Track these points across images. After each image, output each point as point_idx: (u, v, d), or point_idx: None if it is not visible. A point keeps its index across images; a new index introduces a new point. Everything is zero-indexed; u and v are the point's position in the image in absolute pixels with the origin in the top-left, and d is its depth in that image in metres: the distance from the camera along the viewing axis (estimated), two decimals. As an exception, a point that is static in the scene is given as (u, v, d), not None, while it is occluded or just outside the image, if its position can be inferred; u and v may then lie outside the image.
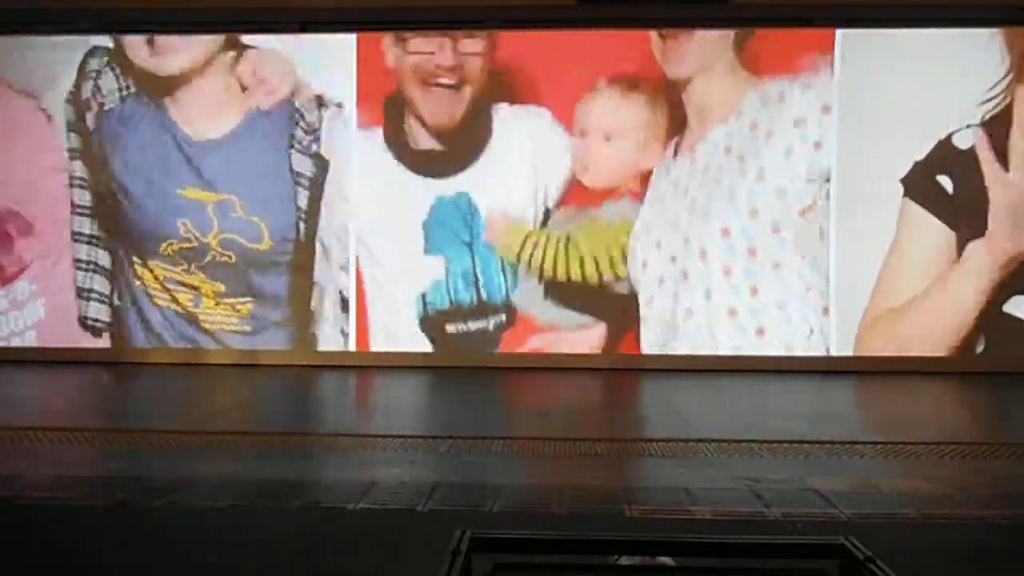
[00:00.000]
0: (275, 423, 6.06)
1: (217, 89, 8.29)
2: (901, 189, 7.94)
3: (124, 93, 8.36)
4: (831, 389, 7.59)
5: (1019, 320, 7.91)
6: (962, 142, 7.89)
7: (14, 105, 8.42)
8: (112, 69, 8.36)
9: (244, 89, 8.26)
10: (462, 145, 8.19)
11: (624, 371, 8.03)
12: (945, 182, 7.89)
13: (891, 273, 7.96)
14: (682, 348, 8.13)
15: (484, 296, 8.23)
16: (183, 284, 8.37)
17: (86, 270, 8.43)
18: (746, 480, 4.28)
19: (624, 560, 1.74)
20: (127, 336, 8.45)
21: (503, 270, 8.20)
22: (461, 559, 1.60)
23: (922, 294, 7.92)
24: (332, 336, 8.36)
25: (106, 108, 8.37)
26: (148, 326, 8.43)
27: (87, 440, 5.26)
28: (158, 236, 8.38)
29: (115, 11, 8.21)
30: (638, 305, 8.13)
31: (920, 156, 7.91)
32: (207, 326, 8.40)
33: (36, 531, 3.51)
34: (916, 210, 7.92)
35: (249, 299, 8.37)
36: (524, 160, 8.13)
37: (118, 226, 8.42)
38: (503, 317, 8.24)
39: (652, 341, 8.14)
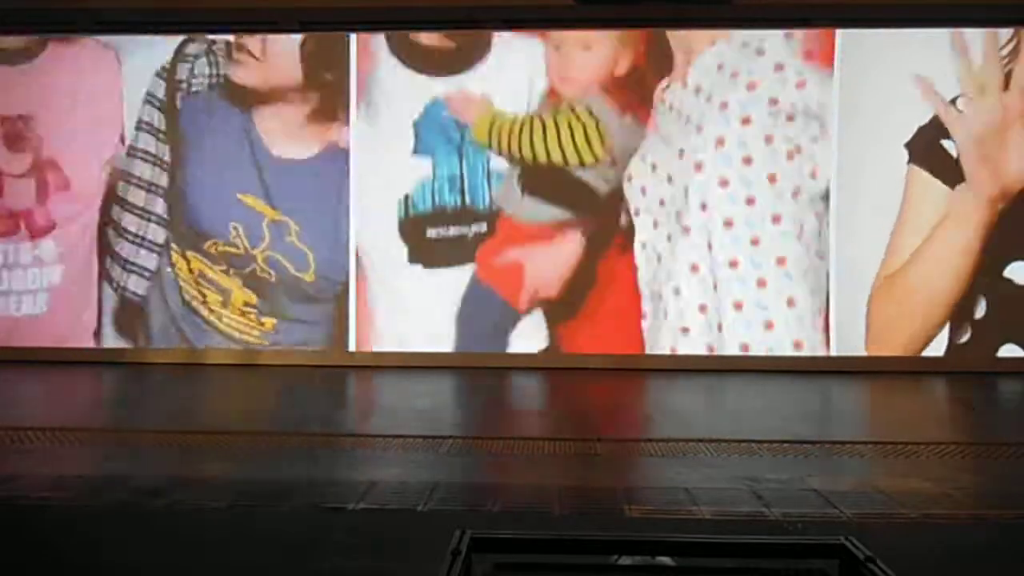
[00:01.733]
0: (275, 423, 6.06)
1: (305, 113, 8.27)
2: (905, 154, 7.91)
3: (214, 81, 8.32)
4: (831, 389, 7.59)
5: (1018, 285, 7.88)
6: (965, 106, 7.88)
7: (97, 62, 8.39)
8: (209, 55, 8.32)
9: (328, 127, 8.24)
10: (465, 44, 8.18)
11: (624, 371, 8.02)
12: (950, 146, 7.87)
13: (899, 239, 7.93)
14: (681, 263, 8.02)
15: (468, 201, 8.16)
16: (217, 284, 8.33)
17: (133, 242, 8.38)
18: (746, 480, 4.28)
19: (624, 560, 1.74)
20: (146, 317, 8.39)
21: (488, 176, 8.15)
22: (461, 559, 1.60)
23: (921, 248, 7.88)
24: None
25: (193, 90, 8.34)
26: (169, 315, 8.35)
27: (87, 440, 5.26)
28: (207, 232, 8.32)
29: (115, 11, 8.20)
30: (628, 209, 8.07)
31: (924, 121, 7.89)
32: (224, 328, 8.36)
33: (36, 531, 3.51)
34: (921, 176, 7.88)
35: (276, 319, 8.35)
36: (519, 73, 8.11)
37: (169, 208, 8.37)
38: (484, 227, 8.16)
39: (643, 247, 8.07)
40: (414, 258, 8.21)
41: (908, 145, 7.91)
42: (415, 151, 8.19)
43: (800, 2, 8.00)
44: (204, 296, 8.33)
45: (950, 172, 7.86)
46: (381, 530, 3.52)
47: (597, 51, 8.10)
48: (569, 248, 8.12)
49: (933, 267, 7.89)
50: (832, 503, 3.90)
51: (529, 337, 8.17)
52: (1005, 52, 7.86)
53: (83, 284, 8.42)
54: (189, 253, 8.34)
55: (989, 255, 7.85)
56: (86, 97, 8.40)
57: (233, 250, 8.30)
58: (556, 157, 8.09)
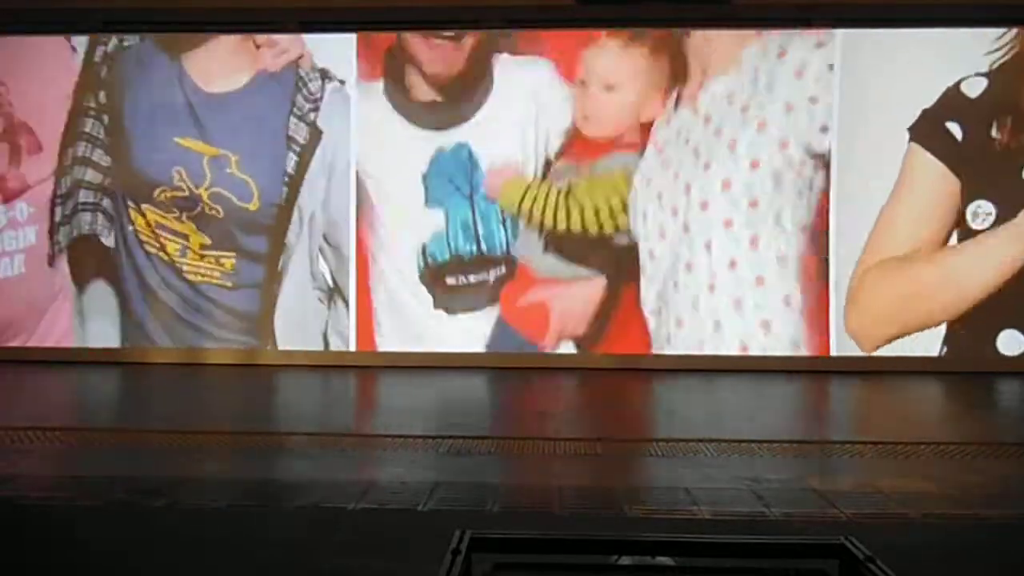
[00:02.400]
0: (275, 423, 6.06)
1: (232, 44, 8.34)
2: (906, 138, 7.90)
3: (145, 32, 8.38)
4: (831, 389, 7.59)
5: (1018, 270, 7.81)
6: (971, 90, 7.87)
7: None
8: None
9: (257, 47, 8.29)
10: (463, 96, 8.20)
11: (624, 371, 8.02)
12: (954, 129, 7.85)
13: (891, 217, 7.90)
14: (682, 299, 8.06)
15: (484, 248, 8.21)
16: (173, 232, 8.39)
17: (95, 191, 8.46)
18: (746, 480, 4.28)
19: (624, 560, 1.74)
20: (120, 278, 8.45)
21: (503, 222, 8.19)
22: (461, 559, 1.60)
23: (951, 248, 7.83)
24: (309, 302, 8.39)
25: (125, 44, 8.41)
26: (138, 272, 8.43)
27: (87, 440, 5.26)
28: (153, 181, 8.40)
29: (115, 11, 8.21)
30: (638, 257, 8.12)
31: (928, 104, 7.88)
32: (191, 277, 8.42)
33: (36, 531, 3.51)
34: (922, 155, 7.86)
35: (232, 254, 8.39)
36: (525, 111, 8.12)
37: (119, 164, 8.44)
38: (503, 269, 8.22)
39: (652, 294, 8.11)
40: (439, 305, 8.28)
41: (911, 128, 7.90)
42: (426, 203, 8.23)
43: (800, 2, 8.01)
44: (164, 245, 8.39)
45: (953, 154, 7.82)
46: (381, 530, 3.52)
47: (622, 93, 8.10)
48: (592, 287, 8.19)
49: (974, 270, 7.84)
50: (832, 503, 3.90)
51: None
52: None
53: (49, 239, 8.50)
54: (143, 206, 8.42)
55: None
56: (49, 60, 8.46)
57: (179, 193, 8.37)
58: (588, 227, 8.14)
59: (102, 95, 8.44)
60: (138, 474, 4.40)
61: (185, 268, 8.42)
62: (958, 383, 7.66)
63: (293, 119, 8.27)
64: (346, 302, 8.34)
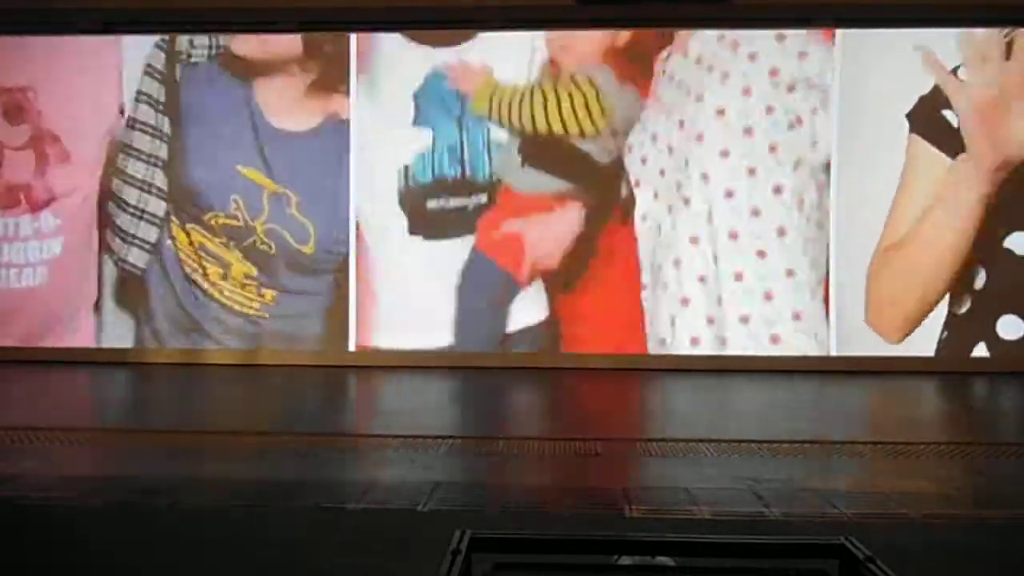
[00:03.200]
0: (275, 423, 6.06)
1: (305, 83, 8.27)
2: (906, 124, 7.91)
3: (214, 52, 8.30)
4: (831, 389, 7.59)
5: (1018, 256, 7.87)
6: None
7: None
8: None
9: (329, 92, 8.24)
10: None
11: (624, 371, 8.03)
12: (950, 116, 7.87)
13: (900, 210, 7.93)
14: (682, 235, 8.03)
15: (468, 172, 8.14)
16: (216, 256, 8.31)
17: (133, 215, 8.36)
18: (746, 480, 4.28)
19: (624, 560, 1.74)
20: (146, 291, 8.39)
21: (489, 147, 8.13)
22: (461, 559, 1.60)
23: (920, 218, 7.89)
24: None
25: (193, 60, 8.32)
26: (170, 288, 8.34)
27: (87, 440, 5.26)
28: (206, 204, 8.31)
29: (115, 11, 8.21)
30: (629, 181, 8.06)
31: (925, 91, 7.90)
32: (225, 301, 8.34)
33: (36, 531, 3.51)
34: (922, 146, 7.89)
35: (274, 291, 8.33)
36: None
37: (168, 181, 8.35)
38: (484, 197, 8.15)
39: (643, 219, 8.07)
40: (415, 230, 8.19)
41: (909, 115, 7.91)
42: (415, 122, 8.17)
43: (800, 2, 8.01)
44: (205, 269, 8.33)
45: (951, 142, 7.85)
46: (381, 530, 3.52)
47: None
48: (570, 219, 8.10)
49: (933, 238, 7.89)
50: (832, 503, 3.90)
51: (529, 310, 8.15)
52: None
53: (83, 256, 8.42)
54: (189, 226, 8.34)
55: (989, 226, 7.85)
56: (85, 69, 8.40)
57: (233, 222, 8.30)
58: (556, 127, 8.07)
59: (159, 109, 8.34)
60: (138, 474, 4.40)
61: (225, 293, 8.34)
62: (959, 383, 7.66)
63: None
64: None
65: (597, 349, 8.16)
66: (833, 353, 8.05)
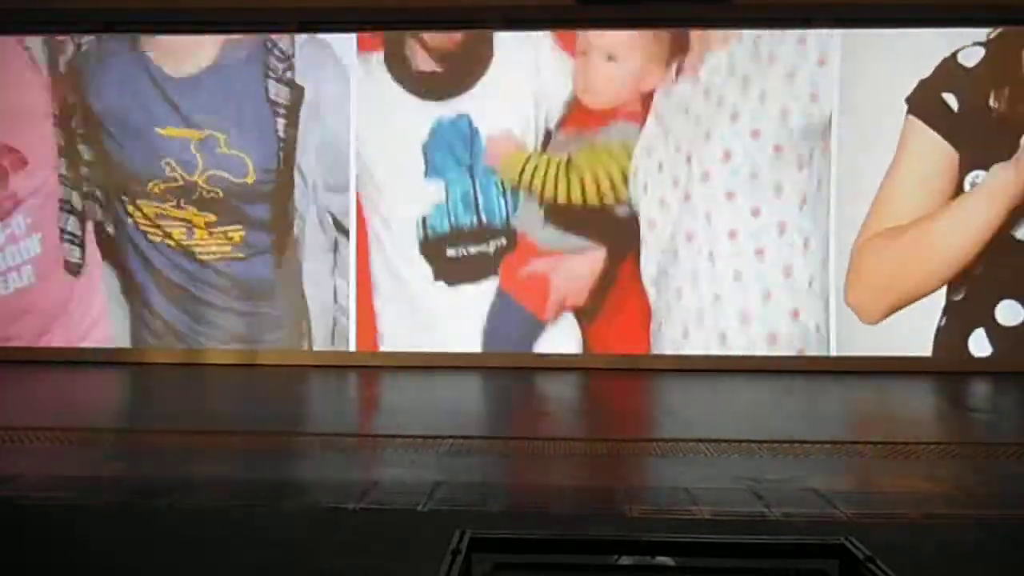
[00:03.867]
0: (275, 423, 6.06)
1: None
2: (905, 108, 7.91)
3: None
4: (831, 389, 7.59)
5: (1017, 240, 7.85)
6: (968, 60, 7.88)
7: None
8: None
9: None
10: (462, 67, 8.19)
11: (624, 371, 8.03)
12: (950, 100, 7.87)
13: (890, 190, 7.92)
14: (682, 272, 8.07)
15: (484, 219, 8.20)
16: (174, 218, 8.37)
17: (68, 211, 8.45)
18: (746, 480, 4.28)
19: (624, 560, 1.74)
20: (128, 270, 8.44)
21: (503, 193, 8.19)
22: (461, 559, 1.60)
23: (933, 214, 7.86)
24: (321, 265, 8.36)
25: (83, 48, 8.37)
26: (147, 263, 8.42)
27: (87, 440, 5.26)
28: (143, 176, 8.37)
29: (115, 11, 8.21)
30: (639, 228, 8.11)
31: (925, 74, 7.89)
32: (203, 257, 8.39)
33: (36, 531, 3.51)
34: (919, 127, 7.88)
35: (239, 226, 8.37)
36: (526, 82, 8.13)
37: (103, 166, 8.41)
38: (503, 240, 8.21)
39: (652, 263, 8.11)
40: (439, 276, 8.27)
41: (909, 98, 7.91)
42: (426, 175, 8.23)
43: (800, 2, 8.01)
44: (169, 233, 8.38)
45: (950, 125, 7.84)
46: (381, 530, 3.52)
47: (623, 64, 8.10)
48: (592, 259, 8.19)
49: (944, 239, 7.88)
50: (832, 503, 3.90)
51: (558, 343, 8.25)
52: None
53: (58, 244, 8.50)
54: (139, 201, 8.39)
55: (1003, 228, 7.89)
56: (15, 73, 8.44)
57: (174, 184, 8.34)
58: (588, 198, 8.14)
59: (71, 98, 8.40)
60: (138, 474, 4.40)
61: (196, 249, 8.38)
62: (960, 383, 7.65)
63: (271, 82, 8.23)
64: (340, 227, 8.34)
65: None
66: (833, 349, 8.06)
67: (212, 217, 8.36)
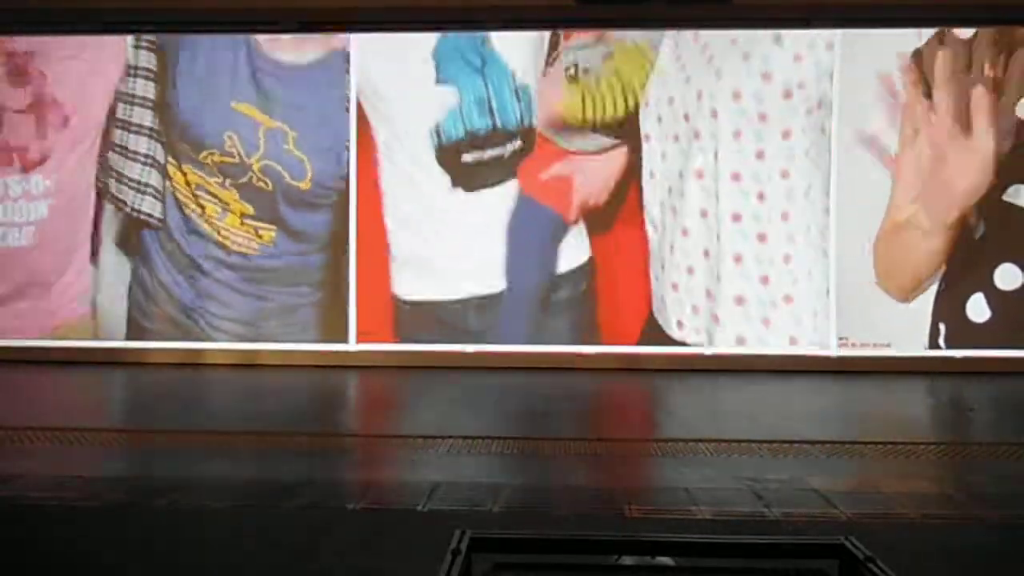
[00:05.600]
0: (274, 423, 6.06)
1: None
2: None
3: None
4: (831, 389, 7.59)
5: (1018, 208, 7.89)
6: (962, 31, 7.91)
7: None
8: None
9: None
10: None
11: (624, 371, 8.03)
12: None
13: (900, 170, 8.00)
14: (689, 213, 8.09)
15: (498, 122, 8.15)
16: (213, 196, 8.33)
17: (132, 159, 8.37)
18: (746, 480, 4.28)
19: (624, 560, 1.74)
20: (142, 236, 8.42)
21: (516, 93, 8.14)
22: (461, 559, 1.60)
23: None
24: None
25: None
26: (167, 231, 8.39)
27: (88, 440, 5.26)
28: (200, 143, 8.31)
29: (115, 11, 8.20)
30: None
31: (920, 43, 7.92)
32: (223, 240, 8.36)
33: (36, 531, 3.51)
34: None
35: (273, 227, 8.33)
36: None
37: (161, 121, 8.36)
38: (518, 142, 8.16)
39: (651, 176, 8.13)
40: (457, 184, 8.21)
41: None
42: (437, 81, 8.17)
43: (800, 2, 8.01)
44: (203, 208, 8.34)
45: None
46: (381, 530, 3.52)
47: None
48: (615, 159, 8.14)
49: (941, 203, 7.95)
50: (832, 503, 3.90)
51: (575, 248, 8.19)
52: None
53: (76, 217, 8.48)
54: (185, 166, 8.34)
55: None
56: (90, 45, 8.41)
57: (229, 159, 8.30)
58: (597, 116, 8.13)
59: (153, 50, 8.34)
60: (138, 474, 4.40)
61: (221, 233, 8.35)
62: (958, 383, 7.66)
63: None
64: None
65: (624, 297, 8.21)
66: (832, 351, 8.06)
67: (250, 209, 8.32)
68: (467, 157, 8.16)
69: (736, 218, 8.05)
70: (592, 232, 8.18)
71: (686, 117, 8.07)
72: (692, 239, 8.12)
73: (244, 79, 8.26)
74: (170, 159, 8.34)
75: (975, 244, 7.95)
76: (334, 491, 4.12)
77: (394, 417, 6.52)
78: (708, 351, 8.13)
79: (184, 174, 8.33)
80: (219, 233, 8.36)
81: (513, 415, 6.77)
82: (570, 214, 8.18)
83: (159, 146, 8.37)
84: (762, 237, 8.04)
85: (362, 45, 8.26)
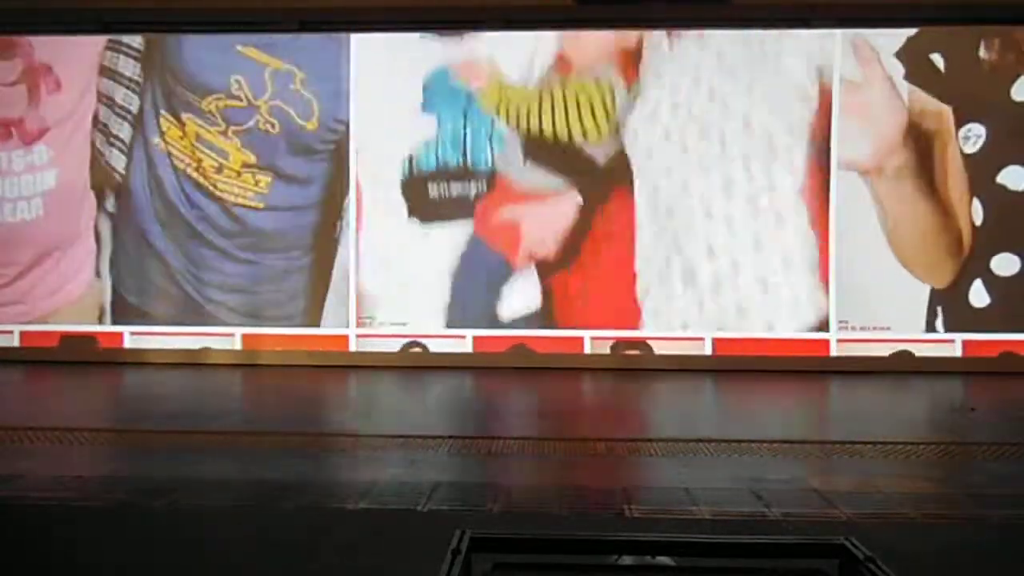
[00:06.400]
0: (273, 423, 6.06)
1: None
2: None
3: None
4: (831, 389, 7.59)
5: (1011, 191, 7.93)
6: None
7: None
8: None
9: None
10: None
11: (624, 371, 8.03)
12: (936, 59, 7.92)
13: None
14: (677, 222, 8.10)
15: (470, 161, 8.20)
16: (214, 146, 8.29)
17: (121, 116, 8.36)
18: (746, 480, 4.28)
19: (624, 560, 1.74)
20: (130, 202, 8.40)
21: (491, 137, 8.18)
22: (461, 559, 1.60)
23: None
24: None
25: None
26: (160, 189, 8.37)
27: (87, 440, 5.26)
28: (204, 87, 8.28)
29: (115, 11, 8.21)
30: (630, 171, 8.12)
31: (912, 32, 7.94)
32: (220, 194, 8.34)
33: (36, 531, 3.51)
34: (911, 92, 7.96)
35: (272, 175, 8.32)
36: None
37: (160, 66, 8.31)
38: (484, 186, 8.22)
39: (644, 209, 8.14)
40: (413, 214, 8.26)
41: (897, 55, 7.95)
42: (422, 109, 8.21)
43: (800, 2, 8.01)
44: (200, 161, 8.31)
45: (939, 83, 7.91)
46: (381, 530, 3.52)
47: None
48: (565, 208, 8.18)
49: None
50: (832, 503, 3.90)
51: (522, 294, 8.23)
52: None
53: (78, 183, 8.47)
54: (184, 116, 8.30)
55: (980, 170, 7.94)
56: None
57: (236, 103, 8.26)
58: (562, 133, 8.14)
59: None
60: (138, 474, 4.40)
61: (218, 187, 8.32)
62: (958, 383, 7.66)
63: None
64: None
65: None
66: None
67: (252, 158, 8.29)
68: (432, 191, 8.23)
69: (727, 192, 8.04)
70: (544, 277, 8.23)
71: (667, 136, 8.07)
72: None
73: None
74: (163, 112, 8.29)
75: (974, 230, 7.94)
76: (334, 491, 4.12)
77: (393, 417, 6.52)
78: (708, 351, 8.14)
79: (183, 124, 8.28)
80: (215, 187, 8.33)
81: (513, 416, 6.78)
82: (516, 260, 8.23)
83: (135, 98, 8.32)
84: (757, 223, 8.06)
85: (360, 40, 8.28)
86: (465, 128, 8.18)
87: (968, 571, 3.19)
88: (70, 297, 8.50)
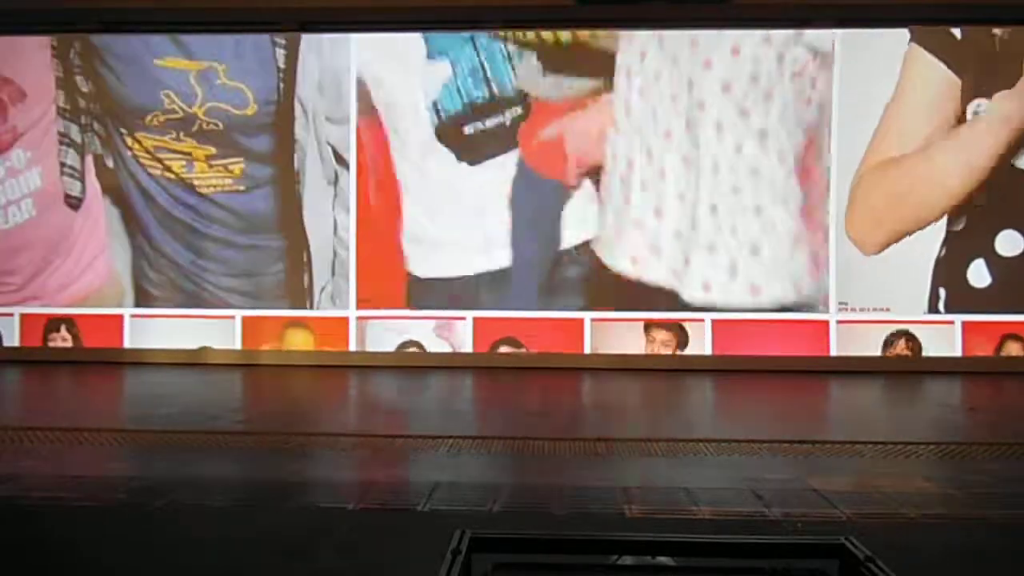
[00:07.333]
0: (273, 423, 6.06)
1: None
2: (907, 34, 7.90)
3: None
4: (831, 389, 7.59)
5: (1019, 170, 7.85)
6: None
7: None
8: None
9: None
10: None
11: (624, 371, 8.03)
12: (955, 32, 7.86)
13: (892, 120, 7.90)
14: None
15: (495, 90, 8.11)
16: (174, 151, 8.37)
17: (68, 145, 8.47)
18: (746, 480, 4.28)
19: (624, 560, 1.74)
20: (129, 204, 8.47)
21: (508, 59, 8.09)
22: (461, 559, 1.60)
23: (930, 146, 7.85)
24: (321, 197, 8.35)
25: None
26: (147, 195, 8.46)
27: (87, 440, 5.26)
28: (140, 109, 8.38)
29: (115, 11, 8.21)
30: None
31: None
32: (203, 190, 8.40)
33: (36, 531, 3.51)
34: (922, 57, 7.85)
35: (239, 159, 8.35)
36: None
37: (100, 98, 8.43)
38: (518, 109, 8.12)
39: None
40: (463, 158, 8.18)
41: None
42: (429, 56, 8.15)
43: (800, 2, 8.01)
44: (168, 166, 8.38)
45: (953, 53, 7.82)
46: (381, 530, 3.52)
47: None
48: (601, 109, 8.11)
49: (942, 170, 7.85)
50: (832, 503, 3.90)
51: (580, 220, 8.16)
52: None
53: (58, 177, 8.52)
54: (138, 134, 8.39)
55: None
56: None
57: (173, 116, 8.34)
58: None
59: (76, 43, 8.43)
60: (138, 474, 4.40)
61: (196, 182, 8.39)
62: (959, 383, 7.66)
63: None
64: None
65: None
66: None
67: (212, 150, 8.34)
68: (468, 130, 8.10)
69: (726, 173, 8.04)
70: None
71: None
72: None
73: (158, 38, 8.33)
74: (121, 131, 8.40)
75: (976, 210, 7.90)
76: (334, 491, 4.12)
77: (393, 417, 6.52)
78: (707, 352, 8.14)
79: (139, 141, 8.37)
80: (192, 183, 8.39)
81: (512, 415, 6.77)
82: (567, 178, 8.12)
83: (72, 125, 8.45)
84: (757, 208, 8.03)
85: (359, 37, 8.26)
86: (480, 58, 8.08)
87: (968, 571, 3.19)
88: (89, 288, 8.57)
